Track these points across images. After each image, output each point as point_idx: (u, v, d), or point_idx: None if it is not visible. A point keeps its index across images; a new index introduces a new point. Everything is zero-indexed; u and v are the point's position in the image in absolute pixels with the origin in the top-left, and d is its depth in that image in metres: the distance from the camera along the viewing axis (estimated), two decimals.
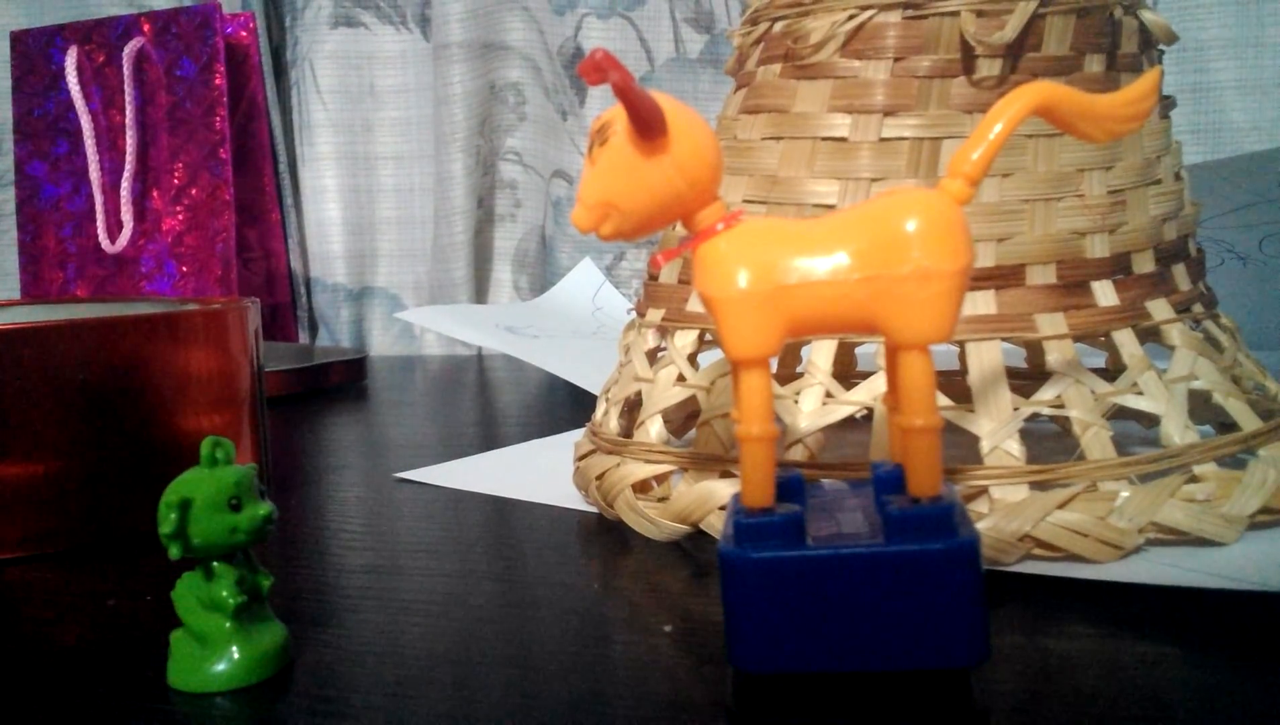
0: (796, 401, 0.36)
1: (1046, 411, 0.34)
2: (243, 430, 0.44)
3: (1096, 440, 0.33)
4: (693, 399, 0.39)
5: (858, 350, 0.52)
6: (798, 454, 0.35)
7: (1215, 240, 0.58)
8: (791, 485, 0.27)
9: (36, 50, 0.92)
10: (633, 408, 0.42)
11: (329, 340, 1.03)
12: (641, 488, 0.38)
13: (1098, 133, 0.27)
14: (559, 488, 0.44)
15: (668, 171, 0.25)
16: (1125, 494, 0.32)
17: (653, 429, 0.39)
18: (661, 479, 0.38)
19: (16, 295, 0.95)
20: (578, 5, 0.91)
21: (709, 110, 0.85)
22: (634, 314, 0.44)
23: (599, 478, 0.40)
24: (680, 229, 0.34)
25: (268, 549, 0.38)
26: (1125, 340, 0.35)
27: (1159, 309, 0.36)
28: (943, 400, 0.33)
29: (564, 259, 0.94)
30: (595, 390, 0.58)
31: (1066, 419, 0.34)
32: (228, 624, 0.27)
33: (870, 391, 0.35)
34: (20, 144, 0.93)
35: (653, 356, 0.41)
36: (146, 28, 0.88)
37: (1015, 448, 0.33)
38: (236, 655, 0.27)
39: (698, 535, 0.37)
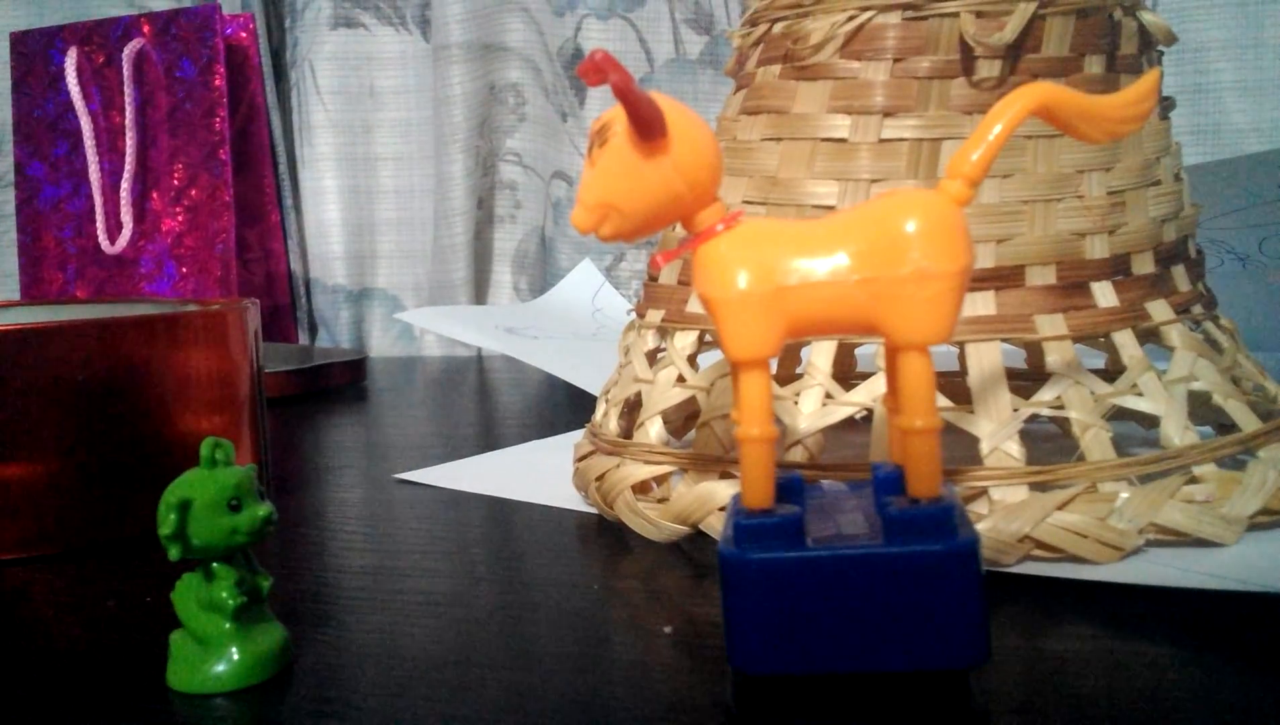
0: (796, 402, 0.36)
1: (1046, 412, 0.34)
2: (242, 431, 0.44)
3: (1096, 441, 0.33)
4: (692, 400, 0.39)
5: (858, 351, 0.52)
6: (797, 455, 0.35)
7: (1215, 241, 0.58)
8: (791, 486, 0.27)
9: (36, 51, 0.92)
10: (632, 409, 0.42)
11: (329, 341, 1.03)
12: (641, 489, 0.38)
13: (1097, 134, 0.27)
14: (559, 489, 0.44)
15: (667, 173, 0.25)
16: (1125, 495, 0.32)
17: (652, 430, 0.39)
18: (661, 480, 0.38)
19: (16, 296, 0.95)
20: (577, 6, 0.91)
21: (709, 111, 0.85)
22: (634, 315, 0.44)
23: (599, 479, 0.40)
24: (680, 230, 0.34)
25: (268, 550, 0.38)
26: (1125, 341, 0.35)
27: (1159, 310, 0.36)
28: (942, 401, 0.33)
29: (564, 260, 0.94)
30: (595, 391, 0.57)
31: (1066, 420, 0.34)
32: (227, 625, 0.27)
33: (870, 392, 0.35)
34: (20, 145, 0.93)
35: (652, 357, 0.41)
36: (146, 28, 0.88)
37: (1015, 449, 0.33)
38: (236, 656, 0.27)
39: (697, 536, 0.37)
